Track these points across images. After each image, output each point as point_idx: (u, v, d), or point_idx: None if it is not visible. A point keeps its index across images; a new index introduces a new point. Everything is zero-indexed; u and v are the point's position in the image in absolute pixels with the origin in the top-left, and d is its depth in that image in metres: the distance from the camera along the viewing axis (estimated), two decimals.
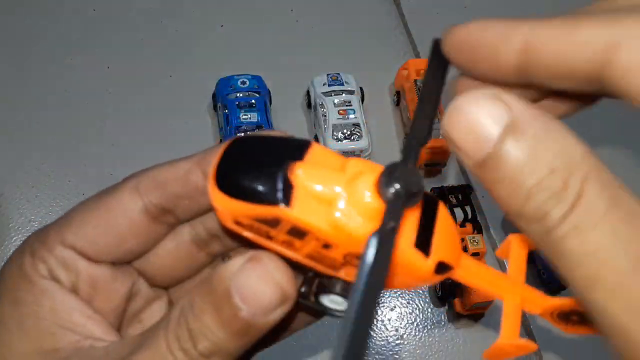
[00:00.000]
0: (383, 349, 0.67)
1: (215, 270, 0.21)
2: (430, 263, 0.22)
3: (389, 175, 0.21)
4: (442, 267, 0.23)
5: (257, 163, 0.22)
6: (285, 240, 0.22)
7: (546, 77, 0.21)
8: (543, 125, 0.18)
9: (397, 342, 0.68)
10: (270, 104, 0.79)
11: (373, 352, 0.67)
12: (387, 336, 0.68)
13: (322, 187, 0.21)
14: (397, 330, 0.68)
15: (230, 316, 0.20)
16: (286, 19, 0.92)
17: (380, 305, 0.69)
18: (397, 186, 0.20)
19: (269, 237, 0.22)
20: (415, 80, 0.79)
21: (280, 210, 0.21)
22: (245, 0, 0.93)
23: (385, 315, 0.69)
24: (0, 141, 0.76)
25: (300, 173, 0.21)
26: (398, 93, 0.84)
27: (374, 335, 0.67)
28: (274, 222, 0.21)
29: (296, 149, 0.22)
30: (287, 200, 0.21)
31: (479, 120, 0.18)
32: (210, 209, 0.25)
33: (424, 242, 0.22)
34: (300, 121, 0.82)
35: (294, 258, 0.23)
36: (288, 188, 0.21)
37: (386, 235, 0.19)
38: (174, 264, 0.26)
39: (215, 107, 0.80)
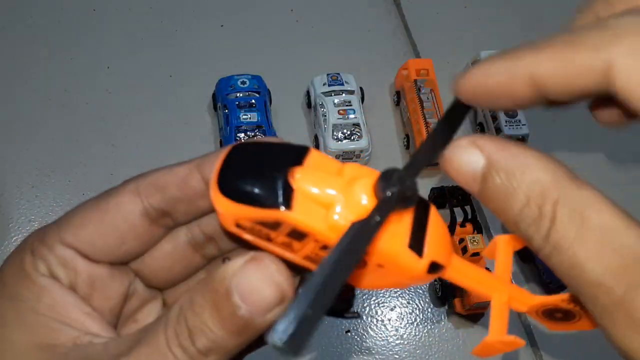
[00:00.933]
0: (383, 349, 0.67)
1: (215, 270, 0.22)
2: (423, 263, 0.23)
3: (385, 179, 0.22)
4: (434, 267, 0.24)
5: (258, 168, 0.22)
6: (285, 242, 0.23)
7: (563, 97, 0.22)
8: (515, 160, 0.21)
9: (397, 342, 0.68)
10: (270, 104, 0.79)
11: (373, 352, 0.67)
12: (387, 336, 0.68)
13: (320, 191, 0.22)
14: (397, 330, 0.68)
15: (229, 314, 0.20)
16: (286, 19, 0.92)
17: (380, 305, 0.69)
18: (393, 189, 0.22)
19: (269, 239, 0.23)
20: (415, 80, 0.80)
21: (281, 214, 0.22)
22: (245, 0, 0.93)
23: (385, 315, 0.69)
24: (0, 141, 0.76)
25: (300, 177, 0.22)
26: (398, 93, 0.84)
27: (374, 335, 0.67)
28: (275, 225, 0.22)
29: (295, 155, 0.23)
30: (288, 203, 0.22)
31: (461, 167, 0.23)
32: (207, 212, 0.25)
33: (417, 243, 0.23)
34: (300, 121, 0.82)
35: (292, 259, 0.24)
36: (288, 192, 0.22)
37: (367, 226, 0.20)
38: (170, 266, 0.27)
39: (215, 107, 0.80)
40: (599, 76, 0.20)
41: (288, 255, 0.23)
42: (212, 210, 0.24)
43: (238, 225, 0.23)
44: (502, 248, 0.27)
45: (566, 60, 0.21)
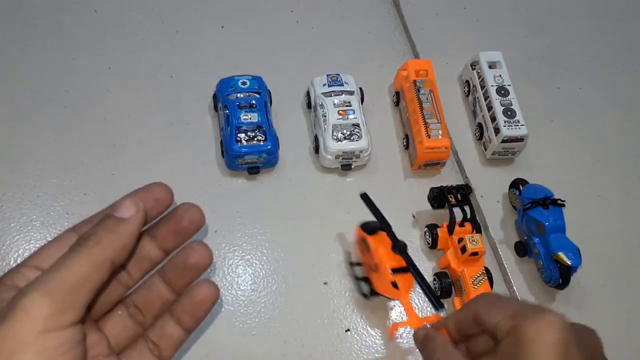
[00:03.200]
0: (382, 347, 0.67)
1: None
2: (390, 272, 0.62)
3: (395, 245, 0.61)
4: (394, 285, 0.61)
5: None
6: (363, 249, 0.65)
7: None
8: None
9: (397, 341, 0.68)
10: (271, 104, 0.80)
11: (373, 350, 0.67)
12: (386, 335, 0.68)
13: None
14: (397, 329, 0.69)
15: (110, 218, 0.32)
16: (286, 20, 0.92)
17: (380, 304, 0.70)
18: (400, 245, 0.61)
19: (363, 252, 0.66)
20: (415, 81, 0.80)
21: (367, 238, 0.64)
22: (245, 1, 0.94)
23: (384, 315, 0.69)
24: (1, 141, 0.76)
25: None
26: (397, 93, 0.84)
27: (374, 334, 0.68)
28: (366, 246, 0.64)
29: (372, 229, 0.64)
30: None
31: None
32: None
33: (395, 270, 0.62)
34: (300, 121, 0.82)
35: (362, 259, 0.66)
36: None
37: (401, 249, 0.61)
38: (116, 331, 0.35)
39: (215, 108, 0.80)
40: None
41: (361, 256, 0.66)
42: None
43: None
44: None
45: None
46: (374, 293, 0.66)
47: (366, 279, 0.67)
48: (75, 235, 0.32)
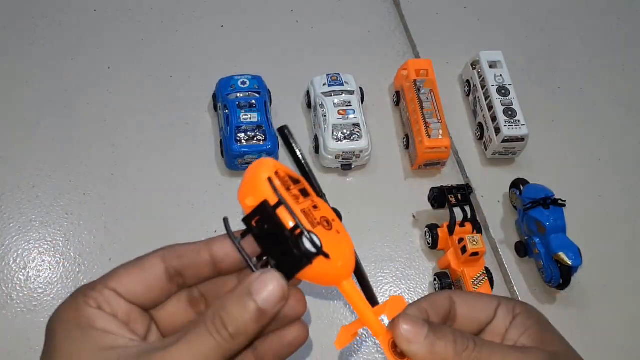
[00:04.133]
0: (382, 347, 0.67)
1: (239, 281, 0.31)
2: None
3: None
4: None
5: None
6: (296, 195, 0.32)
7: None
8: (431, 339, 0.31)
9: None
10: (271, 104, 0.79)
11: (373, 350, 0.67)
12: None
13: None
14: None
15: (250, 306, 0.29)
16: (286, 19, 0.92)
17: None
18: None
19: (288, 189, 0.32)
20: (415, 81, 0.80)
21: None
22: (246, 1, 0.94)
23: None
24: (1, 141, 0.76)
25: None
26: (398, 93, 0.84)
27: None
28: (296, 181, 0.33)
29: None
30: None
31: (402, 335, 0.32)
32: (208, 278, 0.35)
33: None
34: (300, 121, 0.82)
35: (294, 208, 0.31)
36: None
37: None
38: (173, 317, 0.35)
39: (215, 107, 0.80)
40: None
41: (293, 204, 0.31)
42: (211, 277, 0.34)
43: (269, 179, 0.31)
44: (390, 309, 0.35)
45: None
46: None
47: None
48: (161, 262, 0.33)
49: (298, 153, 0.36)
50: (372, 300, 0.37)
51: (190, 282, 0.34)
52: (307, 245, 0.30)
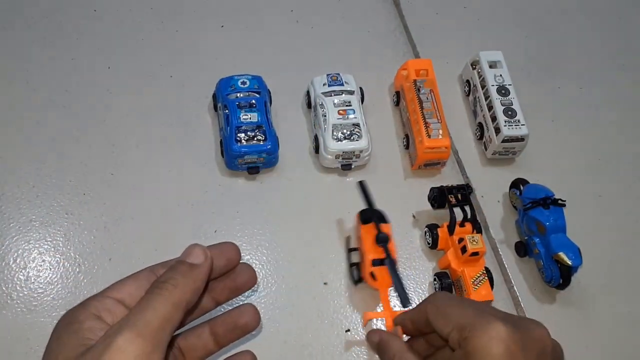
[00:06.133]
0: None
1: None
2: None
3: (378, 237, 0.63)
4: (372, 276, 0.65)
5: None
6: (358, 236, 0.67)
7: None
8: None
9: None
10: (271, 104, 0.79)
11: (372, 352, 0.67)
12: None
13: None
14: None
15: (184, 264, 0.34)
16: (286, 19, 0.92)
17: (379, 303, 0.69)
18: (382, 237, 0.63)
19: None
20: (415, 81, 0.80)
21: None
22: (245, 0, 0.94)
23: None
24: (1, 141, 0.76)
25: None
26: (397, 93, 0.84)
27: None
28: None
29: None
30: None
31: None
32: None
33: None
34: (301, 121, 0.82)
35: (358, 245, 0.68)
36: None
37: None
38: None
39: (215, 107, 0.80)
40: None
41: (357, 241, 0.68)
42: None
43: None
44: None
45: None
46: (360, 280, 0.69)
47: (358, 265, 0.70)
48: (153, 275, 0.35)
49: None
50: (403, 294, 0.57)
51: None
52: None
